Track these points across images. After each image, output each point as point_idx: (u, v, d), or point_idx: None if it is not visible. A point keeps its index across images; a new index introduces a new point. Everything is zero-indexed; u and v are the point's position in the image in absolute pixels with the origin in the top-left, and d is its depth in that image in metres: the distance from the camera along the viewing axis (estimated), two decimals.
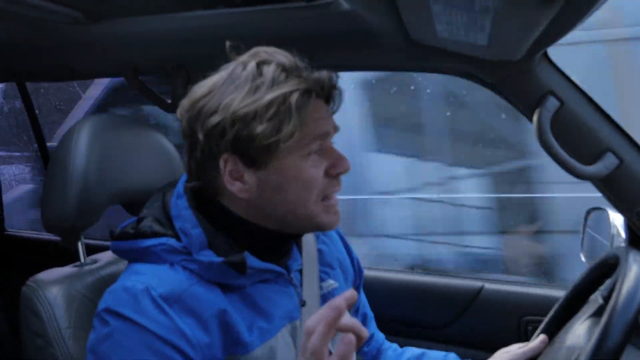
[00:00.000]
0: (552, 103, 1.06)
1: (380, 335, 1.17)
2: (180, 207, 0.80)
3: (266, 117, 0.73)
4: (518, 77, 1.08)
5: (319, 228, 0.84)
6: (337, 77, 0.84)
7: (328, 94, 0.82)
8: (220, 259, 0.76)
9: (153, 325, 0.70)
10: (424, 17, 0.87)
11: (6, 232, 2.38)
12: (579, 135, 1.07)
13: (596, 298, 0.95)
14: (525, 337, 1.38)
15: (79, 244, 1.06)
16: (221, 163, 0.77)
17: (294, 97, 0.74)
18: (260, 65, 0.77)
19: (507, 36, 0.85)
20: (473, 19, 0.78)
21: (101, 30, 1.29)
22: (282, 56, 0.78)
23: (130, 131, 1.11)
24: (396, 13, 0.95)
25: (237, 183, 0.78)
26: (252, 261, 0.77)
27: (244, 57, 0.80)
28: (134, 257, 0.81)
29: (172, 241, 0.78)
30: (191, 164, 0.81)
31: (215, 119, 0.74)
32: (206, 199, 0.82)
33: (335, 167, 0.81)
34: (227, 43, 0.81)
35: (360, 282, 1.10)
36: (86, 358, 0.75)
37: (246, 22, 1.14)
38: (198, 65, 1.51)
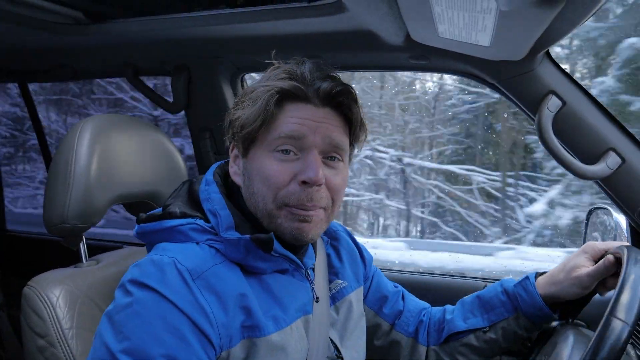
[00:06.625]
0: (554, 103, 1.05)
1: (417, 305, 1.13)
2: (210, 191, 0.85)
3: (245, 105, 0.81)
4: (520, 77, 1.07)
5: (279, 232, 0.81)
6: (340, 88, 0.81)
7: (326, 102, 0.81)
8: (247, 236, 0.79)
9: (175, 296, 0.71)
10: (426, 18, 0.87)
11: (8, 232, 2.39)
12: (581, 134, 1.07)
13: None
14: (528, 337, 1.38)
15: (81, 245, 1.06)
16: (230, 148, 0.87)
17: (273, 92, 0.79)
18: (277, 67, 0.83)
19: (510, 36, 0.85)
20: (475, 20, 0.77)
21: (102, 30, 1.29)
22: (303, 62, 0.83)
23: (132, 131, 1.10)
24: (397, 13, 0.94)
25: (234, 166, 0.87)
26: (276, 245, 0.79)
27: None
28: (160, 237, 0.83)
29: (200, 221, 0.82)
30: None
31: (232, 110, 0.85)
32: (232, 188, 0.88)
33: (300, 174, 0.79)
34: (273, 52, 0.85)
35: (369, 269, 1.11)
36: (100, 322, 0.73)
37: (248, 23, 1.14)
38: (199, 65, 1.51)
